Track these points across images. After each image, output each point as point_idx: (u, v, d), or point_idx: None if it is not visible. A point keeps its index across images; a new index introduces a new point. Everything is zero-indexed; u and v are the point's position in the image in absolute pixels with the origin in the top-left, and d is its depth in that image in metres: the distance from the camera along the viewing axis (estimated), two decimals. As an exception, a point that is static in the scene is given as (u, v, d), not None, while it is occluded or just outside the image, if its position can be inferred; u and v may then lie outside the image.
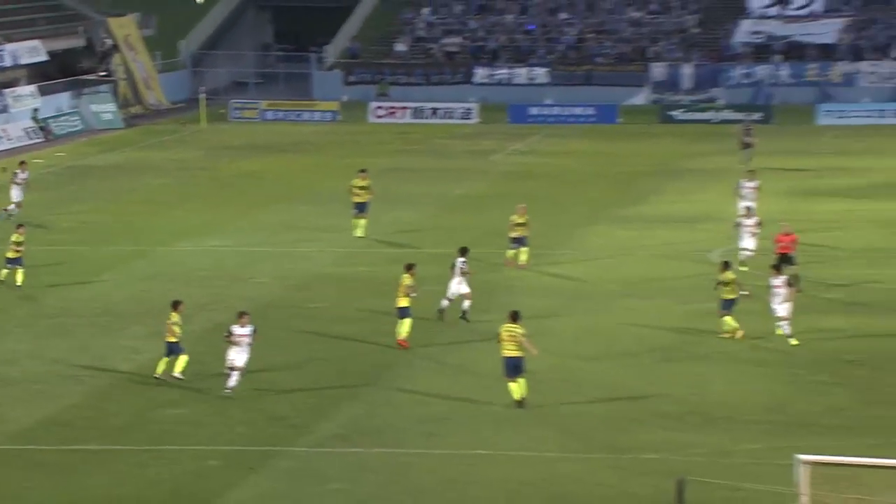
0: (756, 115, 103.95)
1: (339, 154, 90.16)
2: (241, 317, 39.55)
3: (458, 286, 47.08)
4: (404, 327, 44.03)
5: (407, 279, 44.42)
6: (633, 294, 51.86)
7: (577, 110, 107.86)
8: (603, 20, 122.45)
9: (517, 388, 37.92)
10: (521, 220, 55.43)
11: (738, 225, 55.60)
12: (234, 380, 38.78)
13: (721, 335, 44.90)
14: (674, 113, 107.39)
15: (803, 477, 24.11)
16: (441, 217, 67.66)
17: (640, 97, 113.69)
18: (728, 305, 45.20)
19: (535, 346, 38.26)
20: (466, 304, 46.98)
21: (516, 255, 55.36)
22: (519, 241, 55.33)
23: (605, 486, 33.08)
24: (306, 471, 34.23)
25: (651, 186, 76.19)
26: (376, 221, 62.06)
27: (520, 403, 37.84)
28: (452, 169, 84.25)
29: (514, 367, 37.95)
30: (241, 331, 39.14)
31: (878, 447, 34.16)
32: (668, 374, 42.12)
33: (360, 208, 61.63)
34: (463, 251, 48.02)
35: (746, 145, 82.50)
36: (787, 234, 52.52)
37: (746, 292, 45.39)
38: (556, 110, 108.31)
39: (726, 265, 46.20)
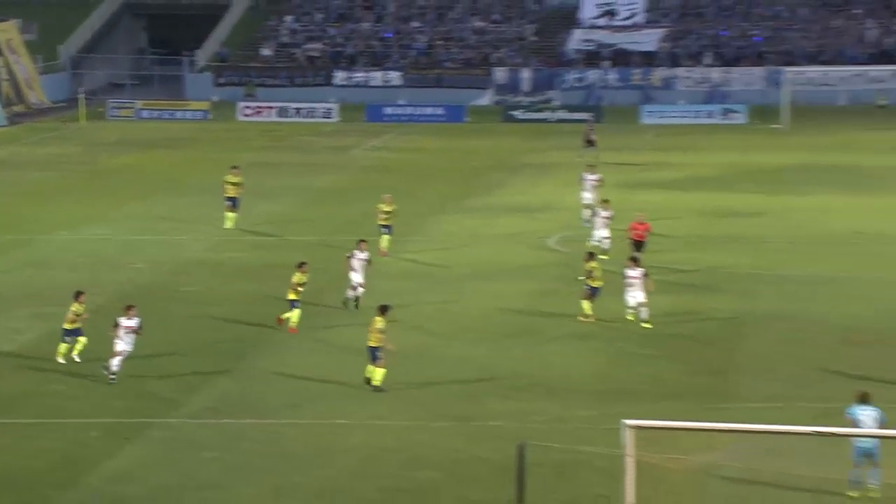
0: (588, 115, 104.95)
1: (209, 150, 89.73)
2: (128, 309, 38.91)
3: (356, 276, 46.60)
4: (294, 317, 43.65)
5: (298, 277, 43.95)
6: (481, 277, 52.16)
7: (428, 110, 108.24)
8: (450, 29, 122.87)
9: (375, 375, 37.74)
10: (388, 209, 55.12)
11: (595, 215, 55.66)
12: (115, 364, 38.30)
13: (581, 318, 44.88)
14: (515, 113, 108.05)
15: (629, 439, 24.50)
16: (304, 208, 67.59)
17: (485, 98, 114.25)
18: (593, 293, 45.28)
19: (392, 342, 37.93)
20: (360, 291, 46.44)
21: (383, 242, 54.70)
22: (386, 228, 54.94)
23: (456, 451, 33.30)
24: (181, 440, 34.11)
25: (495, 179, 76.64)
26: (245, 212, 61.87)
27: (377, 388, 37.45)
28: (315, 164, 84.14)
29: (372, 356, 37.82)
30: (128, 322, 38.62)
31: (695, 412, 34.65)
32: (512, 349, 42.42)
33: (232, 202, 61.36)
34: (360, 242, 47.53)
35: (590, 143, 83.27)
36: (641, 223, 52.93)
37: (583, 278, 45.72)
38: (409, 110, 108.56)
39: (591, 255, 46.34)
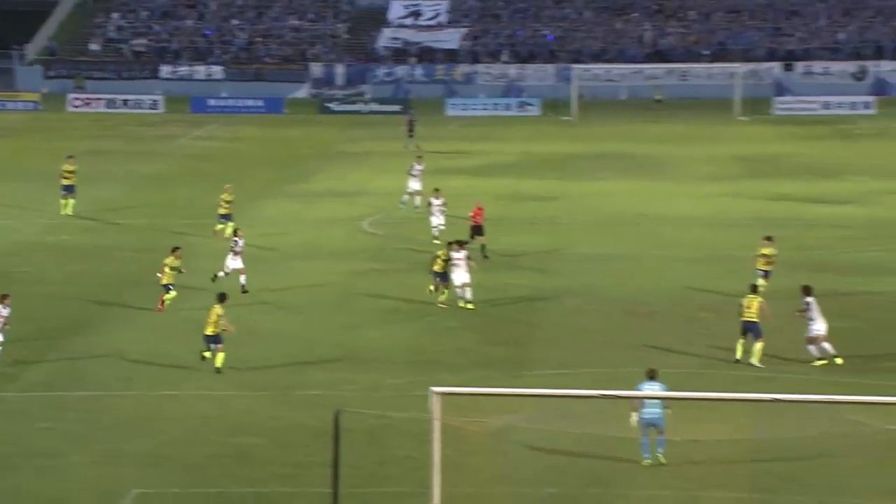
0: (397, 108, 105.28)
1: (41, 139, 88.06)
2: (2, 299, 37.10)
3: (232, 261, 45.47)
4: (169, 298, 42.50)
5: (171, 260, 42.82)
6: (302, 257, 52.02)
7: (249, 102, 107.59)
8: (269, 26, 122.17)
9: (217, 359, 36.44)
10: (228, 198, 53.76)
11: (430, 204, 54.42)
12: None
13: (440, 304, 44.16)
14: (330, 105, 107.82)
15: (436, 405, 24.65)
16: (133, 193, 66.68)
17: (302, 91, 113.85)
18: (445, 278, 43.63)
19: (231, 325, 37.03)
20: (242, 278, 45.15)
21: (223, 230, 52.80)
22: (226, 217, 53.44)
23: (277, 419, 33.17)
24: (14, 412, 33.42)
25: (313, 167, 76.43)
26: (77, 198, 60.80)
27: (217, 370, 36.30)
28: (142, 152, 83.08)
29: (210, 343, 36.75)
30: (4, 312, 37.02)
31: (497, 379, 35.03)
32: (328, 323, 42.40)
33: (68, 190, 60.24)
34: (235, 231, 46.66)
35: (412, 133, 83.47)
36: (480, 209, 51.93)
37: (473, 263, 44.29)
38: (231, 102, 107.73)
39: (452, 244, 44.61)
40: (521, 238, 55.68)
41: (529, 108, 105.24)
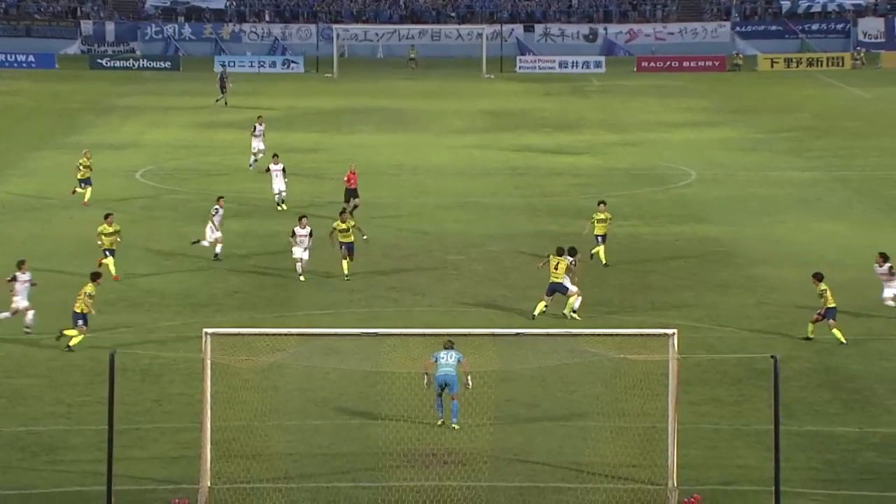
0: (167, 64, 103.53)
1: None
2: (21, 265, 34.80)
3: (211, 231, 42.71)
4: (110, 263, 40.04)
5: (104, 227, 40.13)
6: (75, 206, 50.88)
7: (21, 57, 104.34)
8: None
9: (75, 339, 33.60)
10: (87, 163, 50.61)
11: (268, 170, 50.85)
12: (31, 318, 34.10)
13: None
14: (101, 61, 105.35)
15: (208, 345, 24.47)
16: None
17: (73, 48, 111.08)
18: (350, 248, 40.19)
19: (95, 308, 34.41)
20: (219, 248, 42.59)
21: (83, 194, 50.44)
22: (86, 182, 50.52)
23: (52, 360, 32.32)
24: None
25: (86, 120, 74.71)
26: None
27: (69, 349, 33.31)
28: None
29: (78, 319, 34.93)
30: (24, 277, 34.63)
31: (267, 319, 34.92)
32: (103, 268, 41.55)
33: None
34: (219, 199, 43.46)
35: (223, 89, 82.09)
36: (353, 173, 49.42)
37: (366, 237, 41.50)
38: (2, 57, 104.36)
39: (343, 213, 41.90)
40: (288, 188, 55.31)
41: (294, 65, 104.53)
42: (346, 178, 49.77)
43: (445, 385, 27.21)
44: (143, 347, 32.35)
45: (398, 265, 42.30)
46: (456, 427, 27.06)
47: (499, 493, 24.56)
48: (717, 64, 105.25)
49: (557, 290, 35.76)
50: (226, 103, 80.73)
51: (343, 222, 40.29)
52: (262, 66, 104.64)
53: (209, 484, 24.48)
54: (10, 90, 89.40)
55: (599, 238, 41.60)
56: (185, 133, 70.54)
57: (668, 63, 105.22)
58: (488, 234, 45.45)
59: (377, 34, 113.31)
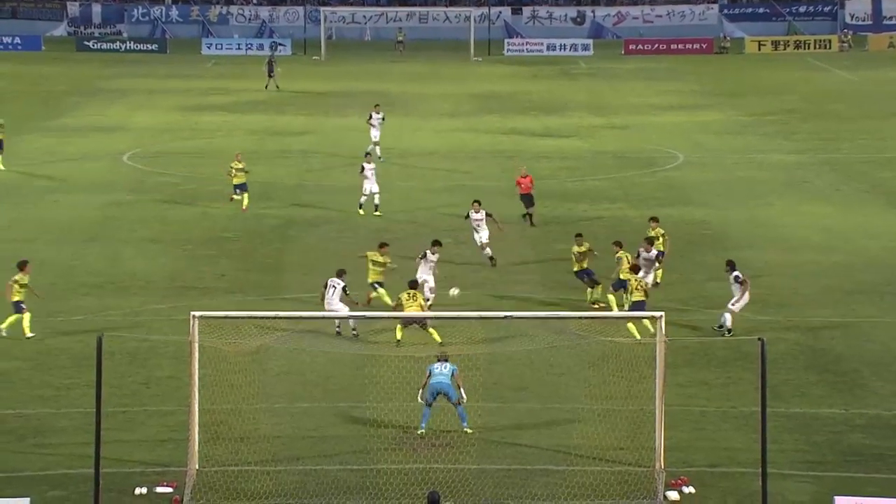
0: (153, 47, 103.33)
1: None
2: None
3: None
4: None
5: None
6: (62, 190, 50.82)
7: (7, 39, 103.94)
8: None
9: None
10: (239, 166, 47.08)
11: (362, 170, 46.63)
12: None
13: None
14: (88, 43, 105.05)
15: (196, 328, 24.48)
16: None
17: (60, 29, 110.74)
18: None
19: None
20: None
21: (239, 201, 46.98)
22: (241, 188, 46.97)
23: (39, 343, 32.27)
24: None
25: (73, 103, 74.50)
26: None
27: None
28: None
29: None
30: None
31: (254, 303, 34.91)
32: (90, 252, 41.61)
33: None
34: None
35: (271, 73, 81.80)
36: (525, 176, 45.49)
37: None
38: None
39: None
40: (274, 170, 55.35)
41: (281, 48, 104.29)
42: (516, 182, 45.75)
43: (439, 394, 26.46)
44: (131, 331, 32.34)
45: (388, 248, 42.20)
46: (469, 431, 26.42)
47: (486, 475, 24.61)
48: (704, 47, 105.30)
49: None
50: (277, 87, 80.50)
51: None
52: (249, 48, 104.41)
53: (197, 466, 24.50)
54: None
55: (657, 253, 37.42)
56: (172, 116, 70.44)
57: (656, 46, 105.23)
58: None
59: (365, 17, 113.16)
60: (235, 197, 47.22)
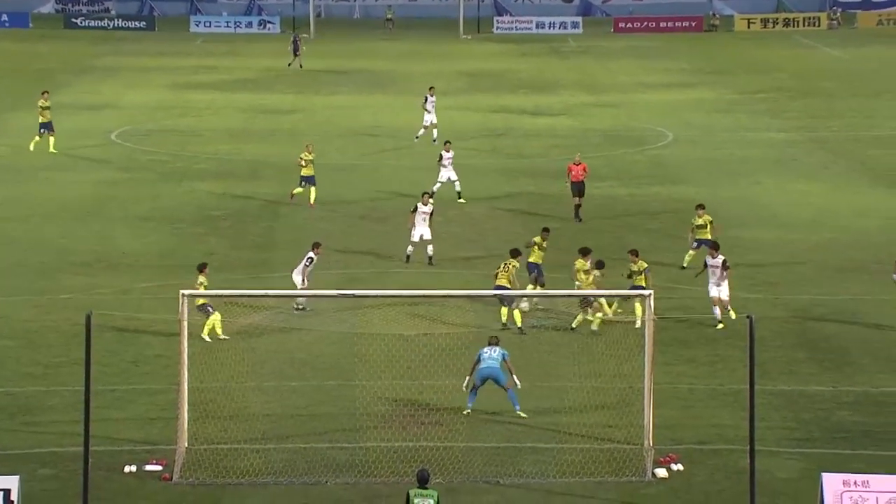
0: (142, 24, 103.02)
1: None
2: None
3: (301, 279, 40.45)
4: None
5: None
6: (52, 168, 50.74)
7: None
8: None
9: None
10: (309, 157, 44.76)
11: (440, 158, 45.01)
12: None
13: None
14: (76, 20, 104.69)
15: (185, 307, 24.47)
16: None
17: (48, 6, 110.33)
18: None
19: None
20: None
21: (305, 193, 44.64)
22: (308, 180, 44.53)
23: (28, 321, 32.34)
24: None
25: (62, 80, 74.21)
26: None
27: None
28: None
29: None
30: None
31: (244, 281, 34.88)
32: (80, 230, 41.54)
33: None
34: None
35: (297, 52, 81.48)
36: (577, 164, 43.15)
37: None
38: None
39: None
40: (263, 148, 55.29)
41: (270, 25, 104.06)
42: (568, 169, 43.50)
43: (488, 379, 26.07)
44: (120, 309, 32.28)
45: (376, 227, 42.25)
46: (523, 415, 25.98)
47: (475, 453, 24.64)
48: (693, 24, 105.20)
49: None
50: (301, 66, 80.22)
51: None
52: (238, 26, 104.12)
53: (186, 445, 24.51)
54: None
55: (696, 244, 36.52)
56: (162, 94, 70.27)
57: (645, 24, 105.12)
58: (466, 195, 45.42)
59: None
60: (299, 190, 44.27)
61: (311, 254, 33.01)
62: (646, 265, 31.89)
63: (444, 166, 44.62)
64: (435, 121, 56.32)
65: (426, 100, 56.91)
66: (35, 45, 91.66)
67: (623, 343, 28.33)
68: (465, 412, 26.30)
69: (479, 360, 26.35)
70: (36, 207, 44.20)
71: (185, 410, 24.46)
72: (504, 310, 31.32)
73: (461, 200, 44.72)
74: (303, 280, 32.66)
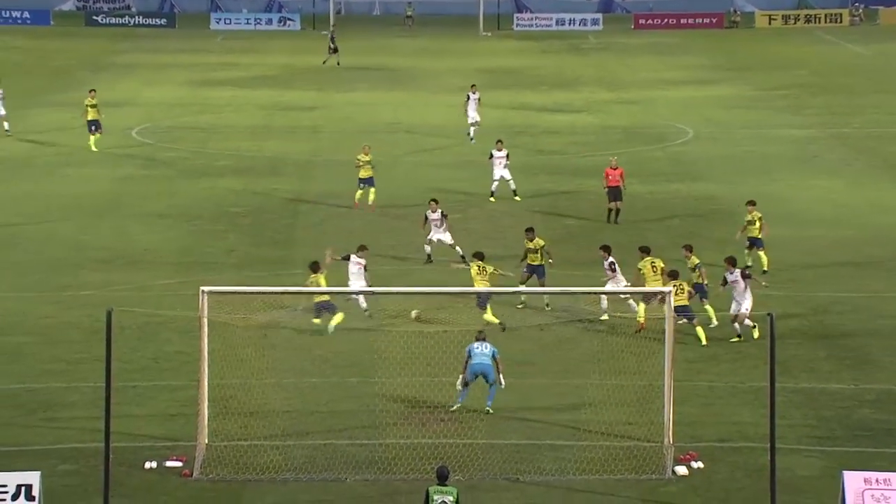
0: (162, 21, 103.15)
1: None
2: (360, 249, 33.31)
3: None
4: None
5: None
6: (71, 164, 50.88)
7: (16, 13, 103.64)
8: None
9: None
10: (366, 158, 43.98)
11: (491, 156, 44.94)
12: None
13: None
14: (97, 17, 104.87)
15: (205, 303, 24.52)
16: None
17: (69, 4, 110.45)
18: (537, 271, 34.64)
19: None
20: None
21: (364, 195, 43.80)
22: (367, 182, 43.64)
23: (48, 317, 32.46)
24: None
25: (82, 77, 74.33)
26: None
27: None
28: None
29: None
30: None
31: (264, 278, 34.92)
32: (99, 226, 41.65)
33: None
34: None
35: (334, 49, 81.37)
36: (614, 168, 42.27)
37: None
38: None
39: (529, 231, 35.08)
40: (283, 145, 55.37)
41: (290, 22, 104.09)
42: (605, 174, 42.49)
43: (479, 375, 26.17)
44: (140, 305, 32.36)
45: (395, 224, 42.26)
46: (490, 411, 26.18)
47: (496, 450, 24.65)
48: (714, 21, 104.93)
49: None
50: (338, 63, 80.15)
51: (531, 241, 33.54)
52: (258, 23, 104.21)
53: (206, 441, 24.57)
54: (5, 46, 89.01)
55: (748, 243, 36.33)
56: (182, 91, 70.37)
57: (666, 20, 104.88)
58: (485, 192, 45.41)
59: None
60: (360, 193, 43.24)
61: (361, 260, 32.28)
62: (698, 260, 31.99)
63: (497, 165, 44.36)
64: (479, 119, 55.96)
65: (468, 98, 56.61)
66: (56, 43, 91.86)
67: (642, 340, 28.28)
68: (452, 408, 26.28)
69: (470, 356, 26.44)
70: (55, 204, 44.33)
71: (205, 407, 24.52)
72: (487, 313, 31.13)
73: (517, 198, 44.52)
74: (366, 284, 31.89)
